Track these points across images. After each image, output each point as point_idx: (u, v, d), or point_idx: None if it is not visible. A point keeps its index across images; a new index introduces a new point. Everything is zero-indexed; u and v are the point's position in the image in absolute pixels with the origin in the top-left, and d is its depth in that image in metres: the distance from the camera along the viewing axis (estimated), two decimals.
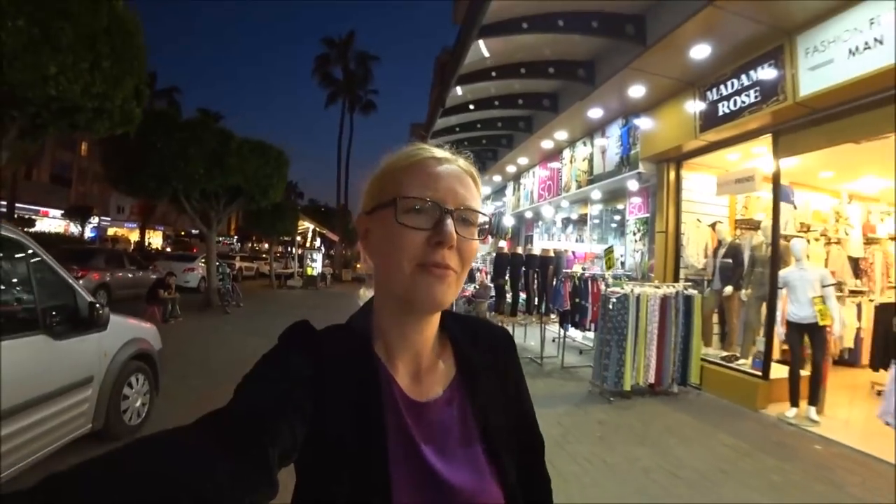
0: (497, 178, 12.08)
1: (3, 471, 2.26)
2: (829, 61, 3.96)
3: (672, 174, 6.08)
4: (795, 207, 6.62)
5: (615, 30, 4.62)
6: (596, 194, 7.59)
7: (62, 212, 30.58)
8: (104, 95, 4.58)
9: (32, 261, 2.50)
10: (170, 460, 0.37)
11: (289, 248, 26.88)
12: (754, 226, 6.43)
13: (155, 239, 39.59)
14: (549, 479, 0.74)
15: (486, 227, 0.60)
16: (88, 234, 32.61)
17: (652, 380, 4.93)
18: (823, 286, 4.53)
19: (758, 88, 4.56)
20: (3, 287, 2.39)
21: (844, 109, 4.14)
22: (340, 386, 0.55)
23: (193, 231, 37.79)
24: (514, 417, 0.68)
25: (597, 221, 8.67)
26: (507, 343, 0.73)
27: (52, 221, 29.83)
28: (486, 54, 5.74)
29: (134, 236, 36.60)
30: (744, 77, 4.70)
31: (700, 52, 4.62)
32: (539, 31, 4.45)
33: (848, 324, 6.48)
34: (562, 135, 7.60)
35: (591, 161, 7.47)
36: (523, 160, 9.76)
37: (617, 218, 7.91)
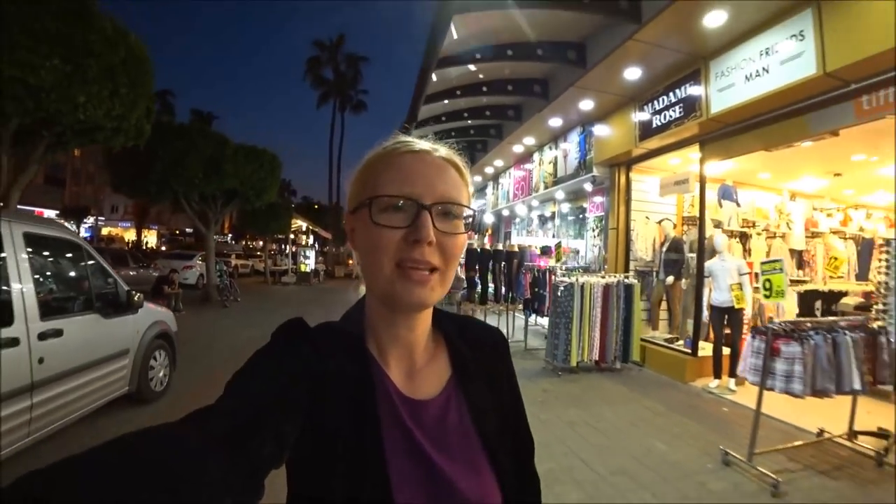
0: (478, 179, 12.98)
1: (71, 416, 3.14)
2: (731, 85, 4.83)
3: (622, 177, 6.96)
4: (739, 205, 7.50)
5: (559, 55, 5.49)
6: (560, 194, 8.51)
7: (57, 212, 31.41)
8: (122, 116, 5.44)
9: (89, 260, 3.39)
10: (161, 456, 0.37)
11: (283, 246, 27.83)
12: (693, 222, 7.31)
13: (150, 238, 40.45)
14: (539, 479, 0.75)
15: (472, 219, 0.60)
16: (83, 233, 33.41)
17: (597, 357, 5.81)
18: (740, 275, 5.42)
19: (681, 105, 5.43)
20: (69, 278, 3.27)
21: (748, 125, 5.03)
22: (334, 383, 0.55)
23: (188, 230, 38.73)
24: (508, 417, 0.69)
25: (571, 218, 9.57)
26: (500, 343, 0.75)
27: None
28: (474, 68, 6.53)
29: (129, 235, 37.46)
30: (671, 95, 5.56)
31: (632, 73, 5.49)
32: (490, 61, 5.33)
33: (787, 310, 7.38)
34: (529, 140, 8.53)
35: (555, 164, 8.37)
36: (499, 162, 10.71)
37: (583, 216, 8.80)
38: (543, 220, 11.02)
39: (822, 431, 3.99)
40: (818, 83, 4.04)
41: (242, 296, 13.23)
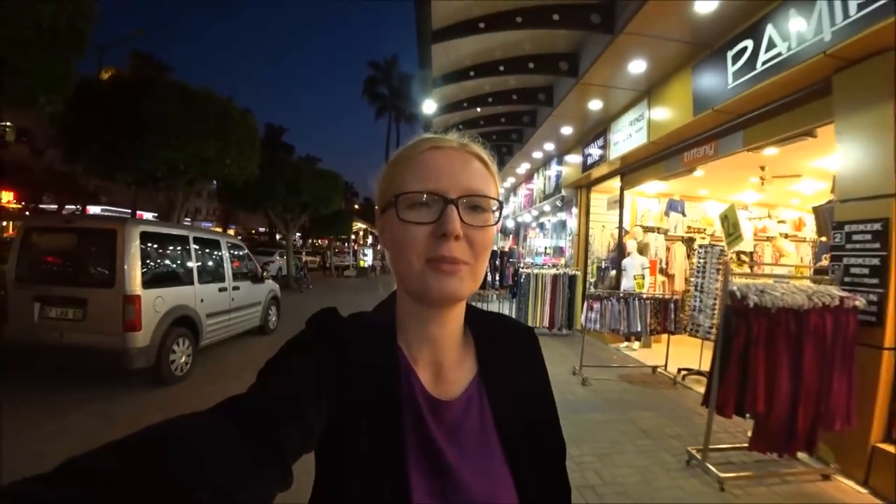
0: (500, 190, 16.51)
1: (237, 330, 7.25)
2: (618, 142, 8.02)
3: (583, 196, 10.21)
4: (685, 215, 10.42)
5: (519, 121, 8.99)
6: (547, 207, 11.85)
7: (155, 214, 38.96)
8: (246, 166, 9.72)
9: (247, 255, 7.57)
10: (191, 442, 0.41)
11: (345, 244, 33.16)
12: (647, 230, 10.31)
13: None
14: (569, 486, 0.76)
15: (500, 211, 0.65)
16: None
17: (547, 324, 9.18)
18: (643, 268, 8.55)
19: (599, 151, 8.67)
20: (240, 263, 7.45)
21: (633, 167, 8.19)
22: (362, 376, 0.61)
23: (261, 229, 45.80)
24: (535, 419, 0.72)
25: (560, 227, 12.80)
26: (529, 340, 0.80)
27: None
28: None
29: None
30: (595, 143, 8.80)
31: (567, 130, 8.84)
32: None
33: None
34: (525, 166, 12.03)
35: (545, 183, 11.73)
36: (511, 179, 14.26)
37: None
38: (557, 225, 14.31)
39: (655, 366, 7.16)
40: (648, 148, 7.22)
41: (313, 284, 17.87)
